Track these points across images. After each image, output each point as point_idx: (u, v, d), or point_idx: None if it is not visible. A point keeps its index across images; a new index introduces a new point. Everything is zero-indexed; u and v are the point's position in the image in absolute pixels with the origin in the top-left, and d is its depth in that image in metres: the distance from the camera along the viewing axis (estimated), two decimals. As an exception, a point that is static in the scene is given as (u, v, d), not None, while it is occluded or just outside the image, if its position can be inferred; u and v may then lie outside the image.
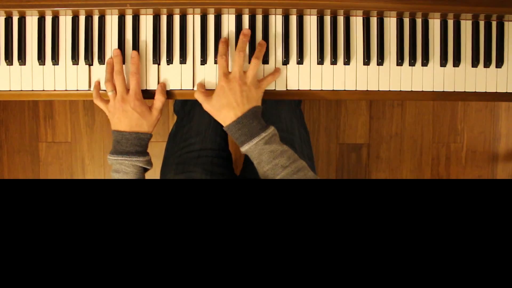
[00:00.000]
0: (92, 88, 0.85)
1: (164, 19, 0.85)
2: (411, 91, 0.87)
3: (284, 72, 0.86)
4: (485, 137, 1.71)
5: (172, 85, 0.86)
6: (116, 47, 0.85)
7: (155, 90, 0.85)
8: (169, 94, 0.86)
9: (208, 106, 0.81)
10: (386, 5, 0.83)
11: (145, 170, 0.84)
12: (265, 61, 0.85)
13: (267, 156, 0.76)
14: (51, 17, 0.85)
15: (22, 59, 0.85)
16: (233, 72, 0.79)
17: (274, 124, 1.01)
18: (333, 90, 0.87)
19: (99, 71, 0.85)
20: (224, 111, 0.79)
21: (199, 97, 0.82)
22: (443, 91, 0.87)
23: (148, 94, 0.85)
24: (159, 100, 0.84)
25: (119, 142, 0.81)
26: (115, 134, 0.82)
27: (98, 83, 0.85)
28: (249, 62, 0.82)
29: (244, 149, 0.78)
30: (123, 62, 0.84)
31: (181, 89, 0.86)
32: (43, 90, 0.86)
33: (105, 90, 0.84)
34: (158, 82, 0.85)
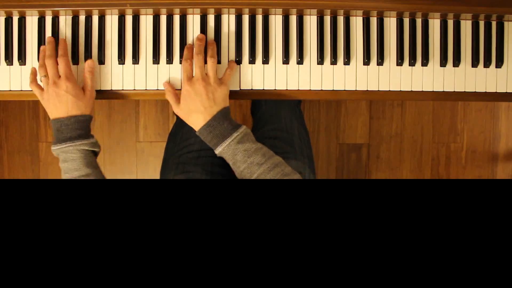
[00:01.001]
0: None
1: (164, 19, 0.85)
2: (411, 91, 0.87)
3: (284, 72, 0.86)
4: (485, 137, 1.71)
5: (173, 85, 0.86)
6: (116, 46, 0.85)
7: (154, 90, 0.85)
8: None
9: (178, 109, 0.81)
10: (386, 5, 0.83)
11: (95, 153, 0.83)
12: (265, 61, 0.85)
13: (241, 156, 0.76)
14: (51, 17, 0.85)
15: (22, 59, 0.85)
16: (195, 74, 0.80)
17: (274, 124, 1.01)
18: (333, 90, 0.87)
19: (98, 71, 0.85)
20: (194, 116, 0.79)
21: (170, 98, 0.82)
22: (443, 91, 0.87)
23: (147, 95, 0.85)
24: (87, 78, 0.82)
25: (59, 130, 0.79)
26: (54, 122, 0.80)
27: (35, 68, 0.83)
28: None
29: (218, 151, 0.78)
30: (122, 62, 0.84)
31: (181, 89, 0.86)
32: (43, 90, 0.86)
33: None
34: (158, 83, 0.85)
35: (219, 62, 0.85)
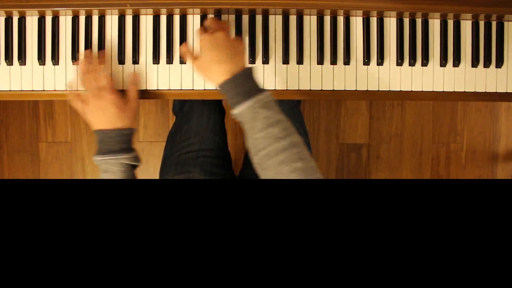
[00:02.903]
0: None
1: (164, 19, 0.85)
2: (411, 91, 0.87)
3: (284, 72, 0.86)
4: (485, 137, 1.71)
5: (173, 85, 0.86)
6: (116, 47, 0.85)
7: (154, 90, 0.85)
8: (170, 94, 0.86)
9: (197, 64, 0.78)
10: (386, 5, 0.83)
11: (134, 167, 0.82)
12: (265, 61, 0.85)
13: (261, 122, 0.68)
14: (51, 17, 0.85)
15: (22, 59, 0.85)
16: (212, 26, 0.79)
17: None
18: (333, 90, 0.87)
19: (99, 71, 0.85)
20: (215, 66, 0.74)
21: (187, 54, 0.82)
22: (443, 91, 0.87)
23: (148, 95, 0.86)
24: (131, 90, 0.83)
25: (103, 141, 0.79)
26: (98, 133, 0.80)
27: (71, 84, 0.84)
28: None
29: (237, 110, 0.71)
30: (122, 62, 0.84)
31: (181, 89, 0.86)
32: (43, 90, 0.86)
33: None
34: (157, 83, 0.85)
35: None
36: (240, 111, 0.71)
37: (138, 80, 0.84)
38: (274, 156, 0.67)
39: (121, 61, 0.85)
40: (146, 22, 0.85)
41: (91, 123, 0.81)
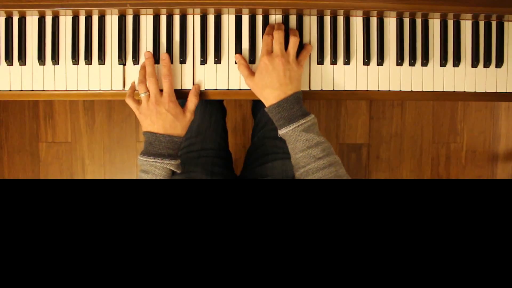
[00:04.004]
0: (126, 88, 0.85)
1: (164, 19, 0.85)
2: (411, 91, 0.87)
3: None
4: (485, 137, 1.71)
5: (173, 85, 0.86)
6: (116, 47, 0.85)
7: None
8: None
9: (251, 83, 0.81)
10: (386, 5, 0.83)
11: (174, 173, 0.84)
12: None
13: (302, 144, 0.76)
14: (51, 17, 0.85)
15: (22, 59, 0.85)
16: (275, 50, 0.80)
17: (272, 125, 1.01)
18: (333, 90, 0.87)
19: (99, 71, 0.85)
20: (267, 91, 0.79)
21: (243, 71, 0.83)
22: (443, 91, 0.87)
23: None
24: (192, 101, 0.83)
25: (152, 144, 0.81)
26: (148, 135, 0.81)
27: (134, 83, 0.85)
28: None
29: (281, 132, 0.79)
30: (123, 63, 0.85)
31: (180, 89, 0.86)
32: (43, 90, 0.86)
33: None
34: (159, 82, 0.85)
35: (218, 62, 0.85)
36: (283, 133, 0.78)
37: (198, 93, 0.85)
38: (312, 174, 0.75)
39: (121, 61, 0.85)
40: (146, 22, 0.85)
41: (143, 124, 0.82)
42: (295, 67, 0.80)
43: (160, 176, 0.81)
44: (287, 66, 0.79)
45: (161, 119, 0.80)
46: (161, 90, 0.82)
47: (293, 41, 0.81)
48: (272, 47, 0.80)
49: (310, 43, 0.86)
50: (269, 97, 0.79)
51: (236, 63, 0.85)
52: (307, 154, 0.76)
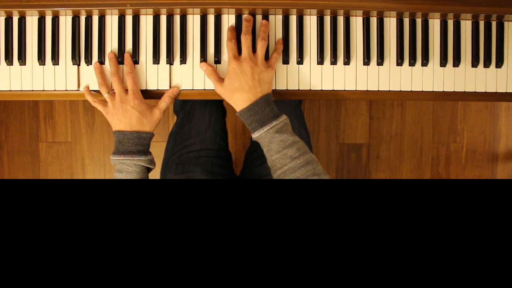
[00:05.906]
0: (85, 94, 0.85)
1: (164, 19, 0.85)
2: (411, 91, 0.87)
3: (284, 72, 0.86)
4: (485, 137, 1.71)
5: (173, 85, 0.86)
6: (116, 47, 0.85)
7: (154, 90, 0.85)
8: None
9: (221, 88, 0.81)
10: (386, 5, 0.83)
11: (149, 170, 0.84)
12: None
13: (277, 145, 0.76)
14: (51, 17, 0.85)
15: (22, 59, 0.85)
16: (243, 54, 0.80)
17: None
18: (333, 90, 0.87)
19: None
20: (237, 95, 0.79)
21: (211, 76, 0.83)
22: (443, 91, 0.87)
23: (148, 94, 0.86)
24: (164, 101, 0.84)
25: (121, 142, 0.81)
26: (117, 134, 0.82)
27: (88, 87, 0.85)
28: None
29: (255, 136, 0.78)
30: (121, 62, 0.85)
31: (181, 89, 0.86)
32: (43, 90, 0.86)
33: (96, 91, 0.85)
34: (158, 83, 0.85)
35: (218, 62, 0.85)
36: (256, 136, 0.78)
37: (176, 95, 0.85)
38: (290, 174, 0.75)
39: (121, 61, 0.85)
40: (146, 22, 0.85)
41: (112, 124, 0.83)
42: (264, 69, 0.80)
43: (134, 173, 0.81)
44: (256, 69, 0.79)
45: (127, 117, 0.81)
46: (127, 90, 0.83)
47: (261, 45, 0.81)
48: (240, 51, 0.81)
49: (310, 43, 0.86)
50: (239, 101, 0.79)
51: (205, 70, 0.84)
52: (283, 155, 0.75)
